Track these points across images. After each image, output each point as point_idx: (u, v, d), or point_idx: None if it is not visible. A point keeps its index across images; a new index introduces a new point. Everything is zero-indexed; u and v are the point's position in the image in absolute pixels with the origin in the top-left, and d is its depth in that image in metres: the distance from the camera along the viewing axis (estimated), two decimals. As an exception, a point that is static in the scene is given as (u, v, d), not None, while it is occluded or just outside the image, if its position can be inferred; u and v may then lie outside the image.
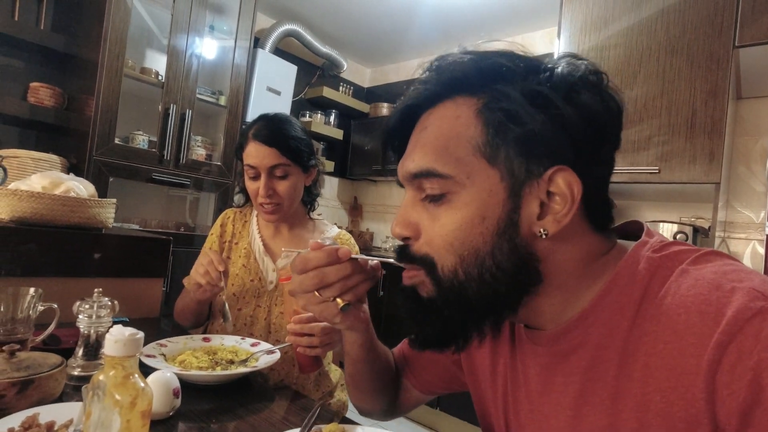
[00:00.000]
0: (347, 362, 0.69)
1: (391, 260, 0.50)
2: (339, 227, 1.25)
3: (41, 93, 2.12)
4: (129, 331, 0.45)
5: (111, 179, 2.06)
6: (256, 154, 1.07)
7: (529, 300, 0.46)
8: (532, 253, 0.44)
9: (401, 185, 0.50)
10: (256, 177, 1.09)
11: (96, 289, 0.74)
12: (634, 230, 0.51)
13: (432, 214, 0.45)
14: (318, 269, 0.54)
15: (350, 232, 3.62)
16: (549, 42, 2.82)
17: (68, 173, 1.94)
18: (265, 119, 1.12)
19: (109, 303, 0.74)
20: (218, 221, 1.21)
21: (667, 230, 1.94)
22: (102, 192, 2.02)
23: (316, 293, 0.54)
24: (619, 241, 0.49)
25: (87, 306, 0.72)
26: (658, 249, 0.44)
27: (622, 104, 0.46)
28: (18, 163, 1.79)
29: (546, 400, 0.48)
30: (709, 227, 1.90)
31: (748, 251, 2.10)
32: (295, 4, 2.98)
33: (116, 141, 2.08)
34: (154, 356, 0.78)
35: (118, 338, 0.44)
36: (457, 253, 0.44)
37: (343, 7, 2.93)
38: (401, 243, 0.48)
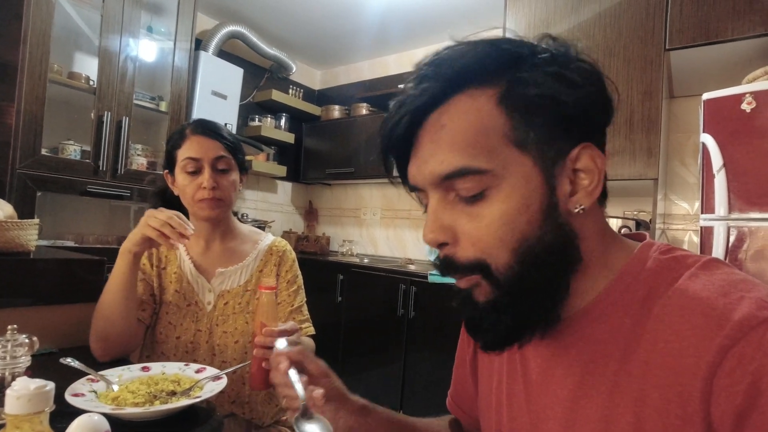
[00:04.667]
0: None
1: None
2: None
3: (-46, 101, 1.92)
4: (35, 383, 0.39)
5: (39, 194, 1.90)
6: (199, 146, 1.04)
7: (572, 285, 0.46)
8: (573, 230, 0.44)
9: (414, 190, 0.49)
10: (196, 171, 1.04)
11: (10, 326, 0.65)
12: (638, 239, 0.52)
13: (470, 213, 0.43)
14: None
15: (306, 237, 3.55)
16: (495, 44, 2.88)
17: (-13, 189, 1.77)
18: (199, 119, 1.11)
19: (27, 340, 0.66)
20: None
21: (612, 225, 2.02)
22: (29, 208, 1.85)
23: None
24: (626, 240, 0.50)
25: (1, 347, 0.64)
26: (665, 251, 0.46)
27: (601, 73, 0.46)
28: (-74, 179, 1.62)
29: (544, 392, 0.49)
30: (650, 220, 1.99)
31: (686, 240, 2.23)
32: (238, 5, 2.87)
33: (43, 152, 1.92)
34: (82, 394, 0.71)
35: (21, 394, 0.38)
36: (510, 247, 0.42)
37: (288, 8, 2.86)
38: (441, 253, 0.46)
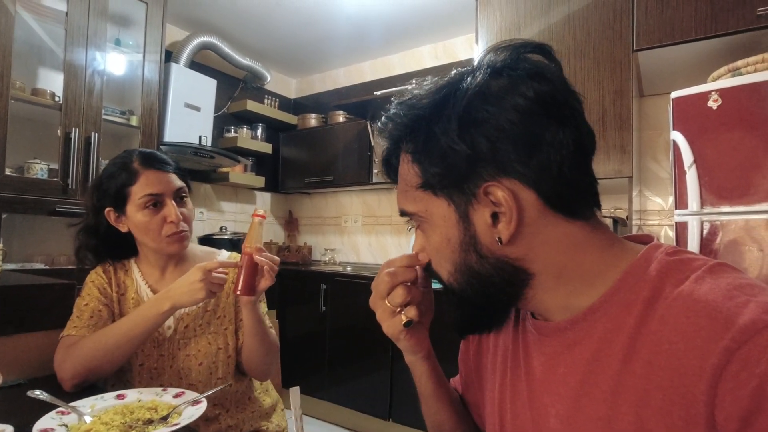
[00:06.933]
0: (422, 403, 0.69)
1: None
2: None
3: None
4: (-9, 429, 0.36)
5: (4, 216, 1.82)
6: (157, 180, 1.01)
7: (531, 293, 0.49)
8: (503, 255, 0.48)
9: None
10: (158, 206, 1.01)
11: (-31, 362, 0.62)
12: (644, 241, 0.52)
13: (424, 239, 0.54)
14: (392, 272, 0.57)
15: (287, 247, 3.51)
16: (469, 47, 2.91)
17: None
18: (140, 151, 1.07)
19: (-12, 376, 0.62)
20: (98, 270, 1.07)
21: (590, 223, 2.04)
22: (-6, 231, 1.77)
23: (387, 303, 0.57)
24: (630, 242, 0.51)
25: (-43, 384, 0.60)
26: (671, 253, 0.46)
27: (544, 90, 0.45)
28: None
29: (546, 390, 0.50)
30: (627, 216, 2.03)
31: (662, 235, 2.28)
32: (208, 15, 2.83)
33: (7, 172, 1.84)
34: (51, 429, 0.67)
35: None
36: (447, 270, 0.52)
37: (259, 17, 2.83)
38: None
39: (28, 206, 1.89)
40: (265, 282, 0.95)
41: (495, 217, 0.47)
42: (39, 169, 1.99)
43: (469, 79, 0.47)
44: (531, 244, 0.47)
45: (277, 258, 0.97)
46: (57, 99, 2.03)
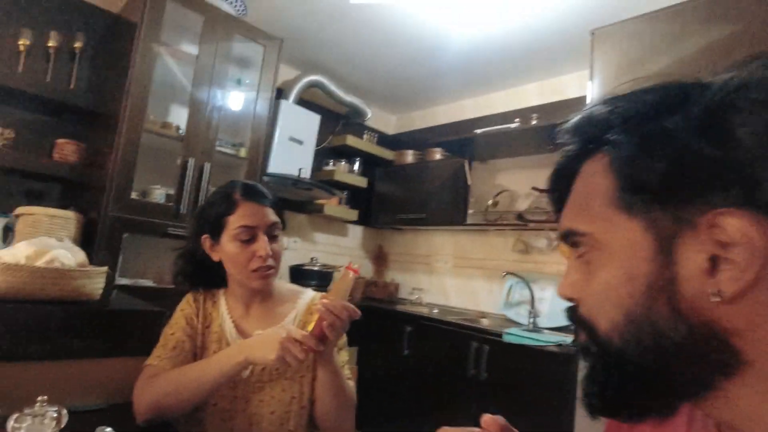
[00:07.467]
0: None
1: None
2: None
3: (66, 149, 2.14)
4: None
5: (125, 235, 2.01)
6: (253, 213, 1.01)
7: (731, 389, 0.34)
8: (711, 319, 0.34)
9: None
10: (251, 239, 1.01)
11: (40, 397, 0.61)
12: None
13: (585, 274, 0.42)
14: None
15: (374, 282, 3.47)
16: (581, 85, 2.69)
17: (82, 231, 1.91)
18: (243, 183, 1.08)
19: (55, 414, 0.61)
20: (189, 297, 1.10)
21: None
22: (115, 250, 1.96)
23: None
24: None
25: (26, 422, 0.59)
26: None
27: None
28: (33, 220, 1.77)
29: None
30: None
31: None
32: (318, 56, 2.99)
33: (133, 196, 2.05)
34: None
35: None
36: (610, 317, 0.38)
37: (365, 56, 2.92)
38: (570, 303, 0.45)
39: (146, 228, 2.08)
40: (329, 336, 0.90)
41: (713, 261, 0.33)
42: (158, 195, 2.19)
43: (717, 82, 0.37)
44: (757, 315, 0.33)
45: (348, 312, 0.91)
46: (180, 131, 2.24)
